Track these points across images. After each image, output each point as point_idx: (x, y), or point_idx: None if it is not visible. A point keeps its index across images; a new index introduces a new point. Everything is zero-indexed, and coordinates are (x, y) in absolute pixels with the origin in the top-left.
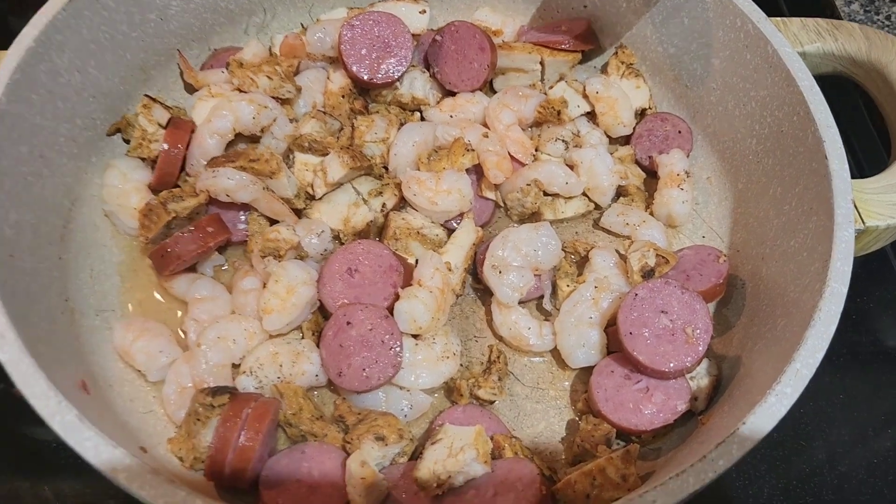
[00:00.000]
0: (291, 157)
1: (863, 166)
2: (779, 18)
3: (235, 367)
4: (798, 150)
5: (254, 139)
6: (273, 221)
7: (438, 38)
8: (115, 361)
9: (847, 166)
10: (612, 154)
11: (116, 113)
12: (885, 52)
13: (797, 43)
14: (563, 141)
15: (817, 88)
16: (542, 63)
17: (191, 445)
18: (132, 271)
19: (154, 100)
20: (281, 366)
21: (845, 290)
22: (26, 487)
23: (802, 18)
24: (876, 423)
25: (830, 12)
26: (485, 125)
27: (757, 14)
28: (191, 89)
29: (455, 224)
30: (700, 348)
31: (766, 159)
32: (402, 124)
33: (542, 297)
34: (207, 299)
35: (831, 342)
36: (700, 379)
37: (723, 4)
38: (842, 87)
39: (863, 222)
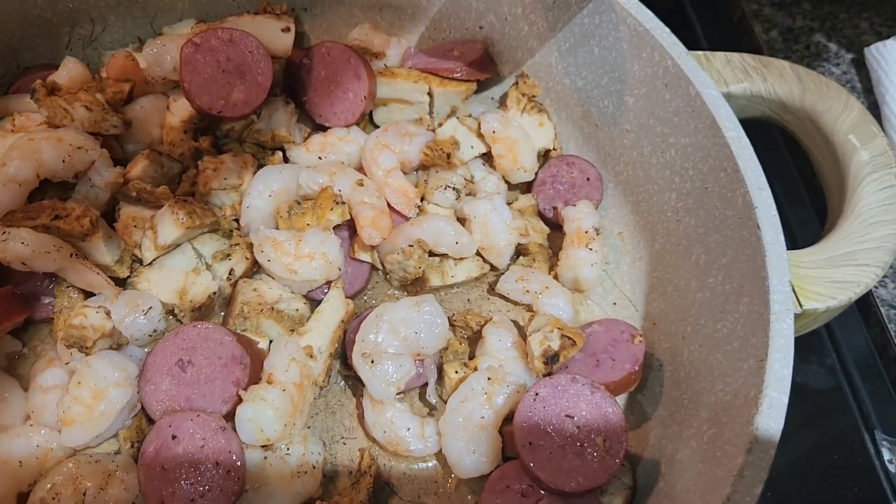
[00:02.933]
0: (117, 208)
1: (793, 231)
2: (700, 52)
3: (24, 496)
4: (725, 214)
5: (69, 185)
6: (89, 293)
7: (306, 61)
8: None
9: (782, 238)
10: (510, 204)
11: None
12: (821, 97)
13: (721, 82)
14: (453, 189)
15: (747, 141)
16: (430, 94)
17: None
18: None
19: None
20: (84, 494)
21: (786, 399)
22: None
23: (727, 53)
24: None
25: (748, 39)
26: (360, 170)
27: (677, 48)
28: None
29: (321, 295)
30: (612, 463)
31: (687, 219)
32: (259, 167)
33: (425, 384)
34: None
35: None
36: (611, 495)
37: (637, 35)
38: (766, 132)
39: (800, 305)
